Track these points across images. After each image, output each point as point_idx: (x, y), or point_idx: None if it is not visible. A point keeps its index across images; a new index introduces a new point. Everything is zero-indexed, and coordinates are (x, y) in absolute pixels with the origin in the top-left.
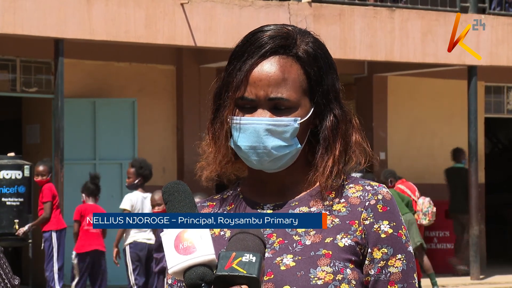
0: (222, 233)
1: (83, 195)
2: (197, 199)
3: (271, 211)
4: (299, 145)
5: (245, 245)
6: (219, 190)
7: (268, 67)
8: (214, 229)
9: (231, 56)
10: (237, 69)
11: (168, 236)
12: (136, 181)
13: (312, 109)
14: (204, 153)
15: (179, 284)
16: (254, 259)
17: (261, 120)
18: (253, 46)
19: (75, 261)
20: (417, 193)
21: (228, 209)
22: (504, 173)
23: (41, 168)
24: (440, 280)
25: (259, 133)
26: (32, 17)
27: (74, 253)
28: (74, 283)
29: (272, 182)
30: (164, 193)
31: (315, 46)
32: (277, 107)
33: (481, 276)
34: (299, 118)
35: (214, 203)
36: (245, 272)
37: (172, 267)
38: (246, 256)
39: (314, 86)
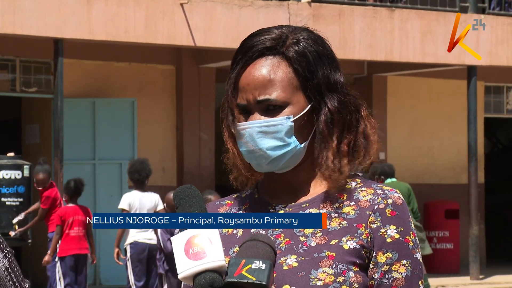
0: (235, 231)
1: (65, 195)
2: (210, 196)
3: (283, 212)
4: (298, 144)
5: (255, 252)
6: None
7: (254, 70)
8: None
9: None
10: (229, 78)
11: (178, 240)
12: (128, 181)
13: (310, 105)
14: (230, 161)
15: None
16: (263, 266)
17: (252, 123)
18: (241, 52)
19: (58, 264)
20: None
21: (244, 208)
22: (504, 173)
23: (41, 176)
24: (440, 280)
25: (253, 137)
26: (32, 17)
27: (57, 257)
28: None
29: (281, 182)
30: (175, 197)
31: (304, 42)
32: (268, 109)
33: (480, 276)
34: (292, 115)
35: (232, 202)
36: (254, 279)
37: (182, 272)
38: (256, 263)
39: (303, 82)
